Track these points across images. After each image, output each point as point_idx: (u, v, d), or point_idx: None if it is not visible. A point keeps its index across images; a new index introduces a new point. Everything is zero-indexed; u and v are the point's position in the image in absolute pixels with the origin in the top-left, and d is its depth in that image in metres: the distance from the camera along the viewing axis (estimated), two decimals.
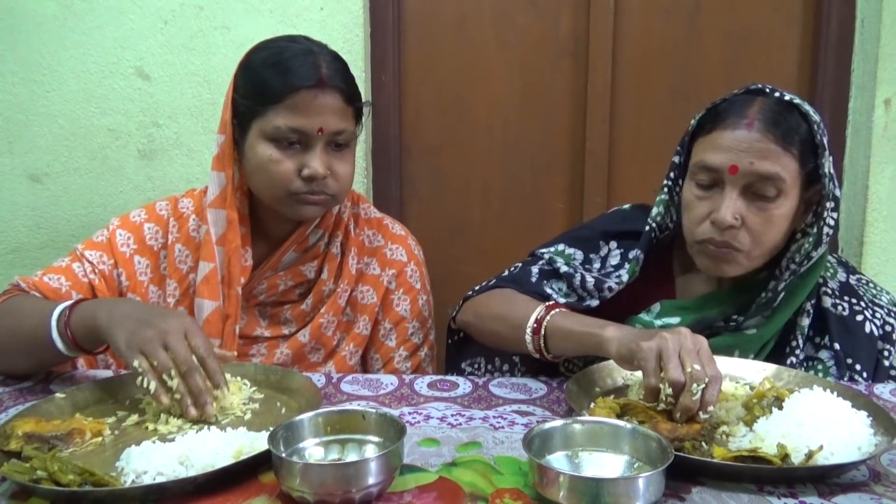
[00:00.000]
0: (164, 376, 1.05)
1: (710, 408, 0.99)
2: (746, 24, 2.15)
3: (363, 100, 1.38)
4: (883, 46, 2.01)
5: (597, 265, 1.41)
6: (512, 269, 1.44)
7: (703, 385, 0.98)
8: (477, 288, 1.43)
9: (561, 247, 1.44)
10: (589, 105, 2.18)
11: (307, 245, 1.43)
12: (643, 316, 1.33)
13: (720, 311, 1.31)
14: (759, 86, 1.26)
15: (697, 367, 0.99)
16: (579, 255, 1.43)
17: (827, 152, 1.22)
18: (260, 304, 1.44)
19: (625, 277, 1.34)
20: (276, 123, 1.29)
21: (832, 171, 1.23)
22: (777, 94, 1.24)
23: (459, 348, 1.48)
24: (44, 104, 2.06)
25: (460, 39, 2.19)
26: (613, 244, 1.43)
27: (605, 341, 1.10)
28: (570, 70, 2.19)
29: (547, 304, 1.25)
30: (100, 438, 1.02)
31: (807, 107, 1.23)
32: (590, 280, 1.34)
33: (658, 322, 1.31)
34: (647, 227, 1.35)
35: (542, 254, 1.43)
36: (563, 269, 1.37)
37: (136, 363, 1.05)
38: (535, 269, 1.40)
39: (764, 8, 2.14)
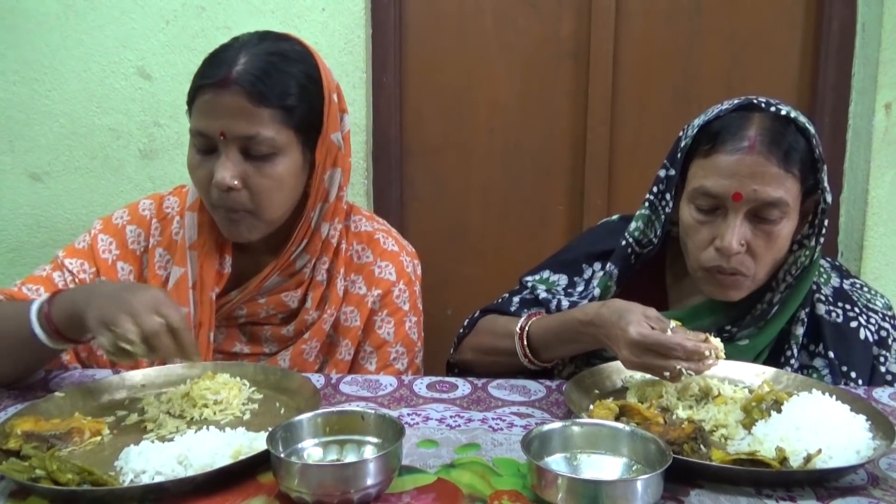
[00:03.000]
0: (124, 343, 1.00)
1: (709, 356, 1.05)
2: (747, 27, 2.15)
3: (294, 102, 1.21)
4: (884, 50, 2.02)
5: (580, 288, 1.43)
6: (497, 300, 1.47)
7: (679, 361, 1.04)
8: (466, 323, 1.46)
9: (546, 274, 1.46)
10: (590, 107, 2.19)
11: (292, 270, 1.33)
12: None
13: (713, 321, 1.30)
14: (754, 100, 1.23)
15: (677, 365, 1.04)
16: (563, 280, 1.44)
17: (825, 165, 1.21)
18: (241, 324, 1.37)
19: (597, 293, 1.35)
20: (191, 126, 1.22)
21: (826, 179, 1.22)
22: (773, 109, 1.21)
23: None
24: (45, 103, 2.06)
25: (461, 41, 2.19)
26: (597, 265, 1.43)
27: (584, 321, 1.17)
28: (570, 72, 2.20)
29: (519, 326, 1.27)
30: (99, 438, 1.02)
31: (802, 119, 1.21)
32: (565, 304, 1.36)
33: None
34: (624, 243, 1.34)
35: (527, 282, 1.46)
36: (543, 295, 1.40)
37: (101, 339, 1.01)
38: (516, 299, 1.44)
39: (765, 11, 2.14)
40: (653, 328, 1.07)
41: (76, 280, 1.32)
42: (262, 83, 1.18)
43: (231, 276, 1.33)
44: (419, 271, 1.46)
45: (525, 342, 1.26)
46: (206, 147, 1.21)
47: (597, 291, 1.35)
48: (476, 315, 1.46)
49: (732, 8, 2.15)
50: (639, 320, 1.07)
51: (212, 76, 1.19)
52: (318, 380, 1.25)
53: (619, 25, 2.15)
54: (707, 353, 1.04)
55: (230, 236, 1.28)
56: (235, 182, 1.19)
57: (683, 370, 1.04)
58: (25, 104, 2.06)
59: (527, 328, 1.27)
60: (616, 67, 2.17)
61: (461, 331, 1.46)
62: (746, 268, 1.21)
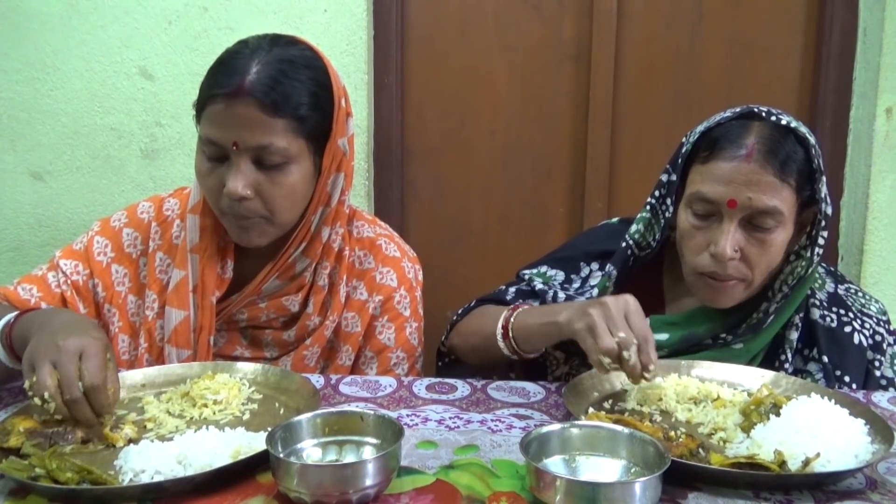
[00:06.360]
0: (37, 399, 0.96)
1: (652, 366, 1.03)
2: (749, 31, 2.15)
3: (306, 112, 1.19)
4: (885, 55, 2.02)
5: (576, 285, 1.43)
6: (493, 290, 1.47)
7: (635, 346, 1.03)
8: (460, 311, 1.46)
9: (543, 268, 1.47)
10: (591, 110, 2.19)
11: (292, 273, 1.31)
12: None
13: (708, 328, 1.30)
14: (755, 108, 1.24)
15: (622, 334, 1.04)
16: (560, 275, 1.45)
17: (823, 176, 1.21)
18: (242, 328, 1.36)
19: (595, 293, 1.35)
20: (201, 133, 1.20)
21: (826, 191, 1.22)
22: (773, 119, 1.21)
23: (450, 371, 1.49)
24: (47, 102, 2.07)
25: (463, 43, 2.20)
26: (595, 265, 1.44)
27: (563, 328, 1.14)
28: (572, 75, 2.20)
29: (510, 306, 1.26)
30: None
31: (803, 129, 1.22)
32: (561, 296, 1.36)
33: None
34: (624, 244, 1.35)
35: (524, 275, 1.47)
36: (539, 286, 1.40)
37: (26, 382, 0.98)
38: (512, 289, 1.44)
39: (766, 16, 2.15)
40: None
41: (69, 282, 1.31)
42: (275, 93, 1.16)
43: (232, 280, 1.32)
44: (420, 277, 1.45)
45: (511, 338, 1.24)
46: (216, 155, 1.20)
47: (595, 291, 1.35)
48: (472, 304, 1.46)
49: (734, 12, 2.15)
50: (618, 304, 1.07)
51: (224, 85, 1.16)
52: (317, 380, 1.25)
53: (620, 28, 2.16)
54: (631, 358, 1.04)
55: (241, 242, 1.26)
56: (248, 192, 1.18)
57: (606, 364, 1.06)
58: (28, 103, 2.07)
59: (510, 326, 1.24)
60: (617, 70, 2.17)
61: (454, 318, 1.46)
62: (742, 273, 1.22)
